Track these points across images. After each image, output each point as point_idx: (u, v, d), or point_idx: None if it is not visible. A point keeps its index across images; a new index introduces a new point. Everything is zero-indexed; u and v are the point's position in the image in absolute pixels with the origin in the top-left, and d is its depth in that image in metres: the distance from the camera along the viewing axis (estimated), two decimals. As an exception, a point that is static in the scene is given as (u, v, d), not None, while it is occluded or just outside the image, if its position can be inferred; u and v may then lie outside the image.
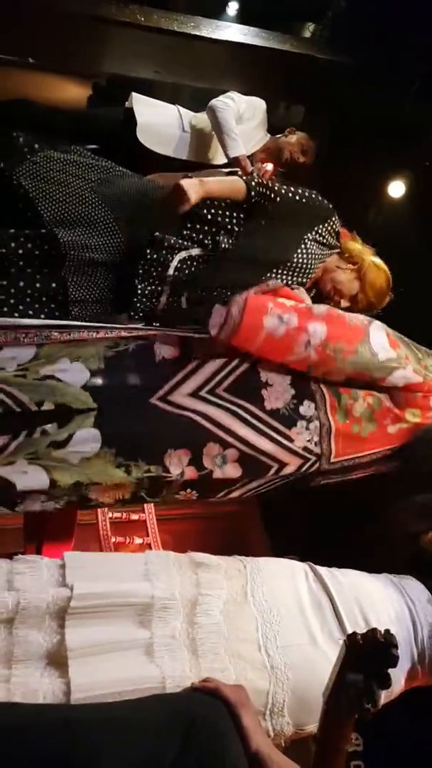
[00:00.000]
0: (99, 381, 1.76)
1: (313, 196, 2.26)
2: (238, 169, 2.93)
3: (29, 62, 4.00)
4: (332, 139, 4.25)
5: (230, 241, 2.14)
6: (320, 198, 2.30)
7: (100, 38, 3.76)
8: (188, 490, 1.90)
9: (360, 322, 2.06)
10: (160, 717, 1.25)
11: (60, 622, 1.51)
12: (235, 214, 2.17)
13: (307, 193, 2.25)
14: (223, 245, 2.14)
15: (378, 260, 2.41)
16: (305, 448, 1.95)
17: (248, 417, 1.89)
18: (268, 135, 3.23)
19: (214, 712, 1.29)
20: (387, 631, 1.38)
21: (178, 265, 2.09)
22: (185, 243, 2.11)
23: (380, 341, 2.03)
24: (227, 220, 2.15)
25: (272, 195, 2.16)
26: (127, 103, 3.06)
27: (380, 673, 1.34)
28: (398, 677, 1.86)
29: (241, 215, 2.17)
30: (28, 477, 1.58)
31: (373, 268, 2.38)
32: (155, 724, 1.22)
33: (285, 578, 1.87)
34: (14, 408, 1.64)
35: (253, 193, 2.13)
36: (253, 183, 2.14)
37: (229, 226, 2.16)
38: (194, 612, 1.65)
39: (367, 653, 1.36)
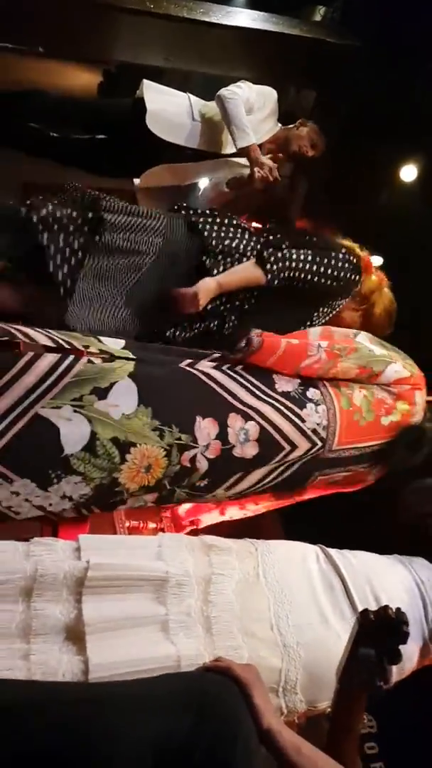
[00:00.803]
0: (133, 348, 1.83)
1: (342, 274, 2.26)
2: (246, 157, 2.92)
3: (39, 52, 4.01)
4: (344, 122, 4.22)
5: (235, 323, 2.24)
6: (350, 274, 2.28)
7: (109, 26, 3.76)
8: (206, 480, 1.92)
9: (347, 332, 2.16)
10: (174, 696, 1.27)
11: (77, 597, 1.53)
12: (249, 294, 2.23)
13: (336, 272, 2.24)
14: (227, 331, 2.24)
15: (388, 296, 2.43)
16: (314, 431, 1.98)
17: (262, 395, 1.93)
18: (279, 125, 3.21)
19: (225, 691, 1.31)
20: (398, 608, 1.41)
21: (178, 332, 2.23)
22: (190, 323, 2.21)
23: (368, 344, 2.13)
24: (240, 297, 2.23)
25: (296, 282, 2.21)
26: (138, 91, 3.05)
27: (391, 649, 1.37)
28: (411, 655, 1.89)
29: (256, 293, 2.24)
30: (72, 425, 1.59)
31: (380, 307, 2.43)
32: (169, 703, 1.25)
33: (296, 560, 1.89)
34: (64, 345, 1.67)
35: (276, 282, 2.19)
36: (272, 276, 2.17)
37: (237, 303, 2.23)
38: (208, 591, 1.68)
39: (379, 630, 1.40)
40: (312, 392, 2.02)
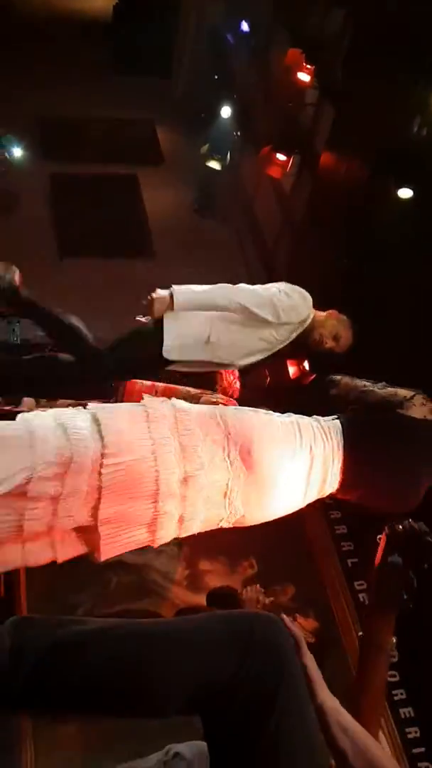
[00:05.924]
0: None
1: None
2: None
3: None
4: (375, 42, 4.02)
5: None
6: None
7: None
8: None
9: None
10: (222, 634, 1.30)
11: None
12: None
13: None
14: None
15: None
16: None
17: None
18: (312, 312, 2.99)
19: (273, 631, 1.31)
20: (421, 523, 1.61)
21: None
22: None
23: None
24: None
25: None
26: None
27: (417, 558, 1.57)
28: None
29: None
30: None
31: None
32: (216, 641, 1.29)
33: None
34: None
35: None
36: None
37: None
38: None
39: (406, 542, 1.60)
40: None
